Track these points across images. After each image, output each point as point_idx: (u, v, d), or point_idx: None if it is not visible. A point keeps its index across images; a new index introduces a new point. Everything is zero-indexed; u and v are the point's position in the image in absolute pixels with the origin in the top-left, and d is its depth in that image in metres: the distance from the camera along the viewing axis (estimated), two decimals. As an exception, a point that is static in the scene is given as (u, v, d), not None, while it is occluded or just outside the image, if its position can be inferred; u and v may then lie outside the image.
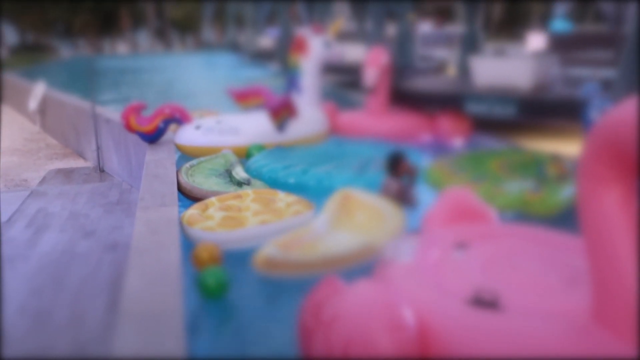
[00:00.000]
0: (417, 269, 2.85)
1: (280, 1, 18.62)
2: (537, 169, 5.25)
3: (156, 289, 2.49)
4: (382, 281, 2.80)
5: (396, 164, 4.60)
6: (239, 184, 5.05)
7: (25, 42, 39.77)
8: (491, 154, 5.95)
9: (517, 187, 4.64)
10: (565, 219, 4.29)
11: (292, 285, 3.32)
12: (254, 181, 5.11)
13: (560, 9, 12.66)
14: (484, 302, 2.41)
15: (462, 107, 7.38)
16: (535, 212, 4.42)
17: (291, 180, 5.35)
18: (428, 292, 2.57)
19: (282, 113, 6.56)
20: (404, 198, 4.44)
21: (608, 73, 7.85)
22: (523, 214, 4.43)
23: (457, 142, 7.03)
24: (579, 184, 2.35)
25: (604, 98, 5.72)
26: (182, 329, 2.19)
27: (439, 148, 6.86)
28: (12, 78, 17.01)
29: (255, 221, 3.96)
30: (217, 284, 3.13)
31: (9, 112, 14.96)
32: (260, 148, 6.20)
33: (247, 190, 4.56)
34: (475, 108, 7.25)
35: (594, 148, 2.26)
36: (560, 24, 11.65)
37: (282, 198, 4.44)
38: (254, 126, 6.66)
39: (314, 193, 5.01)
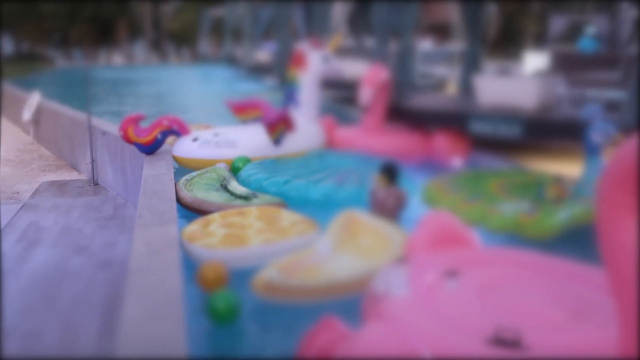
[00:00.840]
0: (418, 304, 2.70)
1: (278, 14, 18.62)
2: (537, 190, 5.17)
3: (157, 314, 2.35)
4: (381, 319, 2.63)
5: (393, 174, 4.46)
6: (244, 197, 4.93)
7: (21, 51, 39.62)
8: (491, 174, 5.87)
9: (511, 209, 4.54)
10: (560, 242, 4.21)
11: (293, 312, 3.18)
12: (261, 195, 4.98)
13: (591, 29, 13.05)
14: (506, 342, 2.28)
15: (466, 126, 7.30)
16: (529, 235, 4.31)
17: (272, 190, 5.36)
18: (443, 332, 2.42)
19: (279, 127, 6.54)
20: (388, 213, 4.29)
21: (614, 94, 7.81)
22: (516, 236, 4.33)
23: (456, 161, 6.93)
24: (599, 211, 2.30)
25: (606, 120, 5.66)
26: (185, 357, 2.05)
27: (435, 167, 6.76)
28: (6, 87, 16.85)
29: (258, 240, 3.82)
30: (228, 309, 2.94)
31: (3, 122, 14.78)
32: (246, 160, 6.12)
33: (251, 207, 4.42)
34: (480, 127, 7.17)
35: (615, 175, 2.21)
36: (588, 43, 12.03)
37: (286, 216, 4.31)
38: (250, 139, 6.62)
39: (294, 203, 5.07)
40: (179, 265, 2.85)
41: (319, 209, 5.03)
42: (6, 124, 14.40)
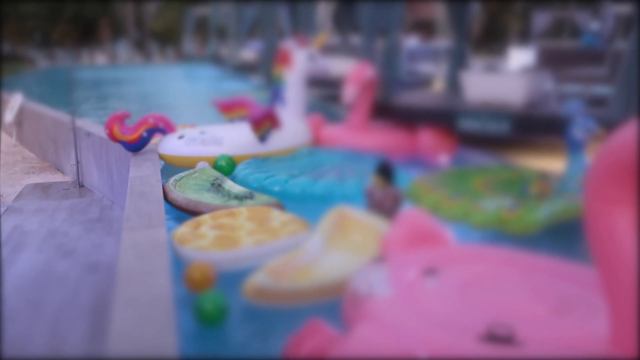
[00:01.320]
0: (403, 304, 2.65)
1: (264, 12, 18.54)
2: (522, 186, 5.20)
3: (147, 322, 2.30)
4: (367, 321, 2.57)
5: (390, 174, 4.43)
6: (239, 198, 4.87)
7: (2, 52, 39.03)
8: (477, 171, 5.88)
9: (493, 205, 4.57)
10: (542, 238, 4.24)
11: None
12: (258, 195, 4.93)
13: (594, 26, 13.31)
14: (499, 338, 2.27)
15: (454, 123, 7.29)
16: (511, 231, 4.34)
17: (276, 189, 5.35)
18: (435, 331, 2.39)
19: (264, 124, 6.52)
20: (386, 212, 4.26)
21: (600, 89, 7.86)
22: (499, 233, 4.35)
23: (443, 159, 6.93)
24: (587, 205, 2.29)
25: (587, 116, 5.68)
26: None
27: (421, 164, 6.76)
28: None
29: (249, 241, 3.78)
30: (216, 310, 2.89)
31: (-17, 124, 14.55)
32: (229, 159, 6.07)
33: (241, 208, 4.37)
34: (469, 124, 7.16)
35: (603, 168, 2.21)
36: (590, 39, 12.38)
37: (277, 216, 4.27)
38: (236, 137, 6.59)
39: (299, 200, 5.14)
40: (168, 269, 2.80)
41: (320, 206, 5.03)
42: (-12, 126, 14.17)
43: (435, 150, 7.03)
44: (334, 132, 7.67)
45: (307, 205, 5.09)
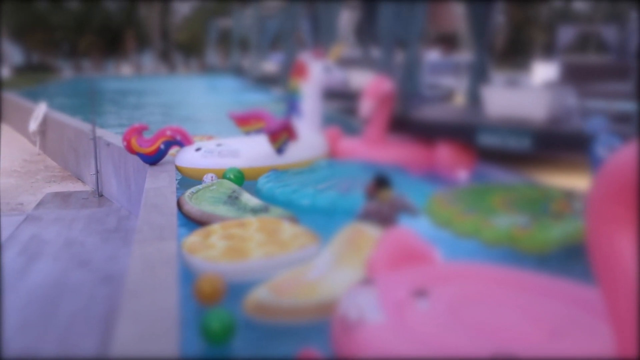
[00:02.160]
0: (399, 330, 2.52)
1: (285, 24, 18.64)
2: (543, 205, 5.04)
3: (151, 335, 2.25)
4: (361, 348, 2.45)
5: (386, 183, 4.40)
6: (255, 211, 4.84)
7: (31, 62, 39.93)
8: (499, 188, 5.72)
9: (506, 222, 4.42)
10: (555, 258, 4.07)
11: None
12: (273, 208, 4.90)
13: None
14: None
15: (474, 139, 7.17)
16: (522, 249, 4.19)
17: (305, 202, 5.32)
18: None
19: (281, 136, 6.51)
20: (386, 221, 4.19)
21: (625, 106, 7.65)
22: (512, 251, 4.20)
23: (462, 174, 6.79)
24: (589, 224, 2.26)
25: (611, 133, 5.53)
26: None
27: (439, 180, 6.64)
28: (13, 97, 16.92)
29: (259, 253, 3.73)
30: (222, 329, 2.81)
31: (9, 132, 14.83)
32: (237, 172, 6.03)
33: (251, 219, 4.33)
34: (488, 140, 7.03)
35: (605, 187, 2.18)
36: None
37: (287, 229, 4.23)
38: (253, 149, 6.59)
39: (304, 212, 5.05)
40: (176, 284, 2.76)
41: (325, 219, 5.02)
42: (13, 135, 14.43)
43: (453, 166, 6.91)
44: (351, 145, 7.61)
45: (314, 217, 5.05)
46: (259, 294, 3.21)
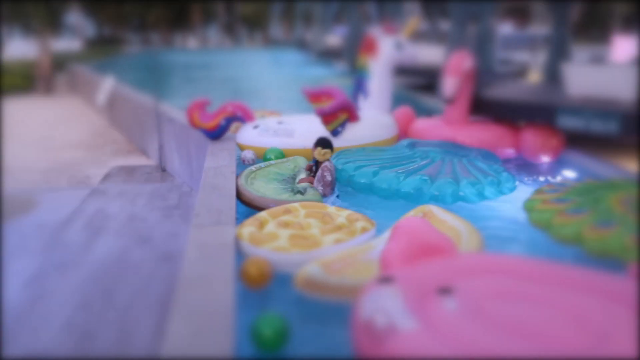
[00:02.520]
0: (439, 341, 2.22)
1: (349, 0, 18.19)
2: None
3: (203, 339, 2.11)
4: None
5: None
6: (301, 193, 4.65)
7: (102, 35, 41.17)
8: (619, 184, 4.74)
9: (624, 229, 3.69)
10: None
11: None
12: (310, 191, 4.65)
13: None
14: None
15: (553, 120, 6.59)
16: (587, 250, 3.68)
17: (362, 181, 5.02)
18: None
19: (337, 117, 6.11)
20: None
21: None
22: (575, 249, 3.69)
23: (545, 159, 6.24)
24: None
25: None
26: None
27: (525, 164, 6.18)
28: (83, 71, 17.40)
29: (329, 240, 3.56)
30: (275, 335, 2.61)
31: (79, 106, 15.30)
32: (278, 152, 5.79)
33: (295, 204, 4.12)
34: (570, 122, 6.43)
35: None
36: None
37: (336, 212, 4.04)
38: (308, 130, 6.15)
39: (385, 196, 4.86)
40: (232, 276, 2.61)
41: (362, 198, 4.90)
42: (82, 107, 14.87)
43: (540, 150, 6.35)
44: (428, 126, 7.01)
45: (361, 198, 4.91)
46: (309, 269, 3.16)
